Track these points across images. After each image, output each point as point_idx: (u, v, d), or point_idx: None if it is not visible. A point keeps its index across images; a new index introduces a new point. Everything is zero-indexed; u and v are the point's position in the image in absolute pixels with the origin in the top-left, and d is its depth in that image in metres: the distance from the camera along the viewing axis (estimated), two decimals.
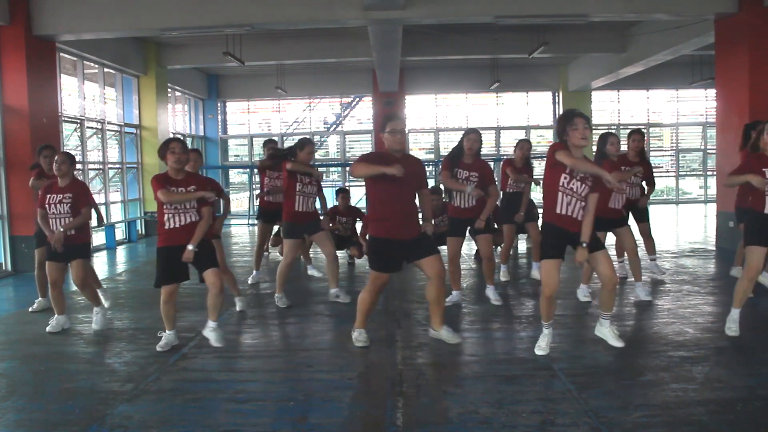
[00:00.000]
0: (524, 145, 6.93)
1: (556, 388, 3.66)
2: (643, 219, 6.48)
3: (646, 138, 17.81)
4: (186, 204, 4.47)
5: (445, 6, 8.65)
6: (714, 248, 9.06)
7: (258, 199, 7.36)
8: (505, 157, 9.03)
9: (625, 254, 6.29)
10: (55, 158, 5.17)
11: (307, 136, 6.60)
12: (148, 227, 13.13)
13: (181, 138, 4.66)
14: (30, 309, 6.04)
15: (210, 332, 4.59)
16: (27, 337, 5.17)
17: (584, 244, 4.07)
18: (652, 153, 18.41)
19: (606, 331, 4.36)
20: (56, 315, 5.24)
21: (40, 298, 6.07)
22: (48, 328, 5.18)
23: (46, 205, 5.10)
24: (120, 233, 12.25)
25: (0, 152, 8.44)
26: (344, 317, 5.54)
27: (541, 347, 4.29)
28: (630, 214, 6.35)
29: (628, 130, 6.37)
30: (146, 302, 6.37)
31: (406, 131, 4.40)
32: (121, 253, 10.78)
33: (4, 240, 8.59)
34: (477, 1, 8.69)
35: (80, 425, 3.31)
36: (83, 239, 5.23)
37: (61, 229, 5.03)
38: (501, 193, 6.76)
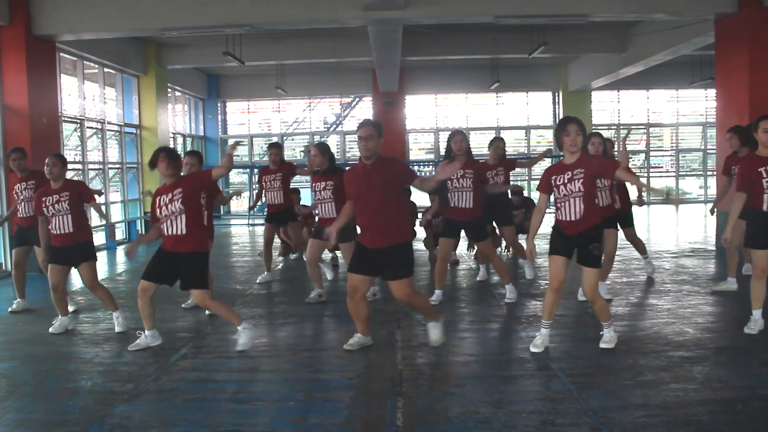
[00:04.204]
0: (498, 143, 6.60)
1: (556, 388, 3.66)
2: (627, 224, 6.25)
3: (645, 138, 18.03)
4: (173, 209, 4.41)
5: (445, 6, 8.66)
6: (714, 248, 9.06)
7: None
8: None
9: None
10: (47, 161, 5.14)
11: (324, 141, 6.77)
12: (148, 227, 13.12)
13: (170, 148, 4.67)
14: (9, 309, 6.03)
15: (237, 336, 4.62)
16: (27, 337, 5.17)
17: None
18: (652, 153, 18.45)
19: (605, 337, 4.36)
20: (59, 316, 5.22)
21: (18, 299, 6.08)
22: (51, 330, 5.17)
23: (44, 209, 5.09)
24: (120, 233, 12.26)
25: (0, 152, 8.44)
26: (344, 317, 5.54)
27: (537, 345, 4.29)
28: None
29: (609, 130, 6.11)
30: None
31: (375, 135, 4.29)
32: (121, 253, 10.78)
33: (4, 240, 8.58)
34: (477, 1, 8.70)
35: (80, 425, 3.31)
36: (84, 237, 5.20)
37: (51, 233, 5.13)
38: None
